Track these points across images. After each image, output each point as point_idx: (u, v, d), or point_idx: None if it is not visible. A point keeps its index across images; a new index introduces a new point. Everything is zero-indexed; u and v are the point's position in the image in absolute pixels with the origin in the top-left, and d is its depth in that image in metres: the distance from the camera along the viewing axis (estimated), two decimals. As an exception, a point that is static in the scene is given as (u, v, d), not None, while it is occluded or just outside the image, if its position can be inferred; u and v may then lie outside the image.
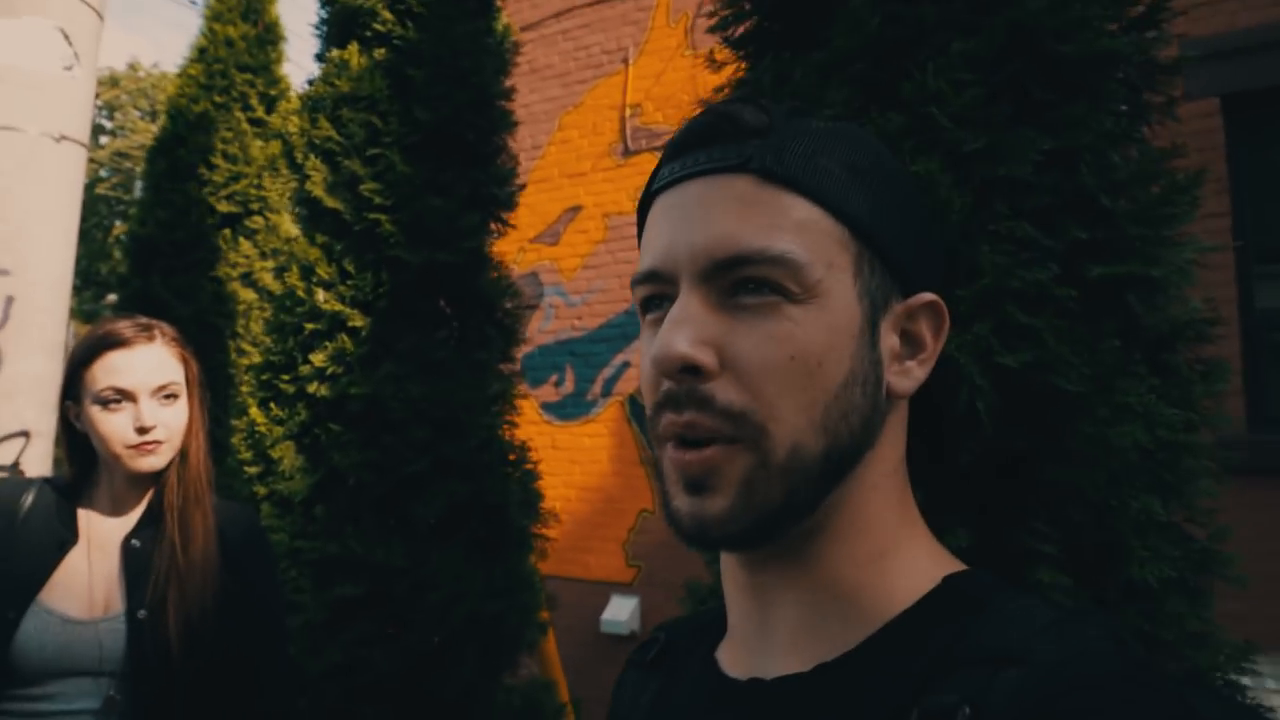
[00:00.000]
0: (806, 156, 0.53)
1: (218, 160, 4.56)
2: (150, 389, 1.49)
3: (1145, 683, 0.42)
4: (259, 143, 4.73)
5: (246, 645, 1.58)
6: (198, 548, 1.56)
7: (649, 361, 0.53)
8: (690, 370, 0.50)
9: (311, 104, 2.72)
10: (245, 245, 4.58)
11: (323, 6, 2.87)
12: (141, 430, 1.47)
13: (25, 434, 3.19)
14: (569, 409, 5.58)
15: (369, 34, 2.75)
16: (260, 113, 4.82)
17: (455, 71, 2.72)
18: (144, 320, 1.57)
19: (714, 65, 1.68)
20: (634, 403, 5.52)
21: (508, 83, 2.97)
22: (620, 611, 5.29)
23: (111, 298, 18.57)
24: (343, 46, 2.76)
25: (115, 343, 1.49)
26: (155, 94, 20.74)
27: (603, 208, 5.81)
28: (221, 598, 1.55)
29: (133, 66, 22.23)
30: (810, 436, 0.50)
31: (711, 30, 1.64)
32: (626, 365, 5.55)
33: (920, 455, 0.62)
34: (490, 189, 2.85)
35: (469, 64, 2.75)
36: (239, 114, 4.75)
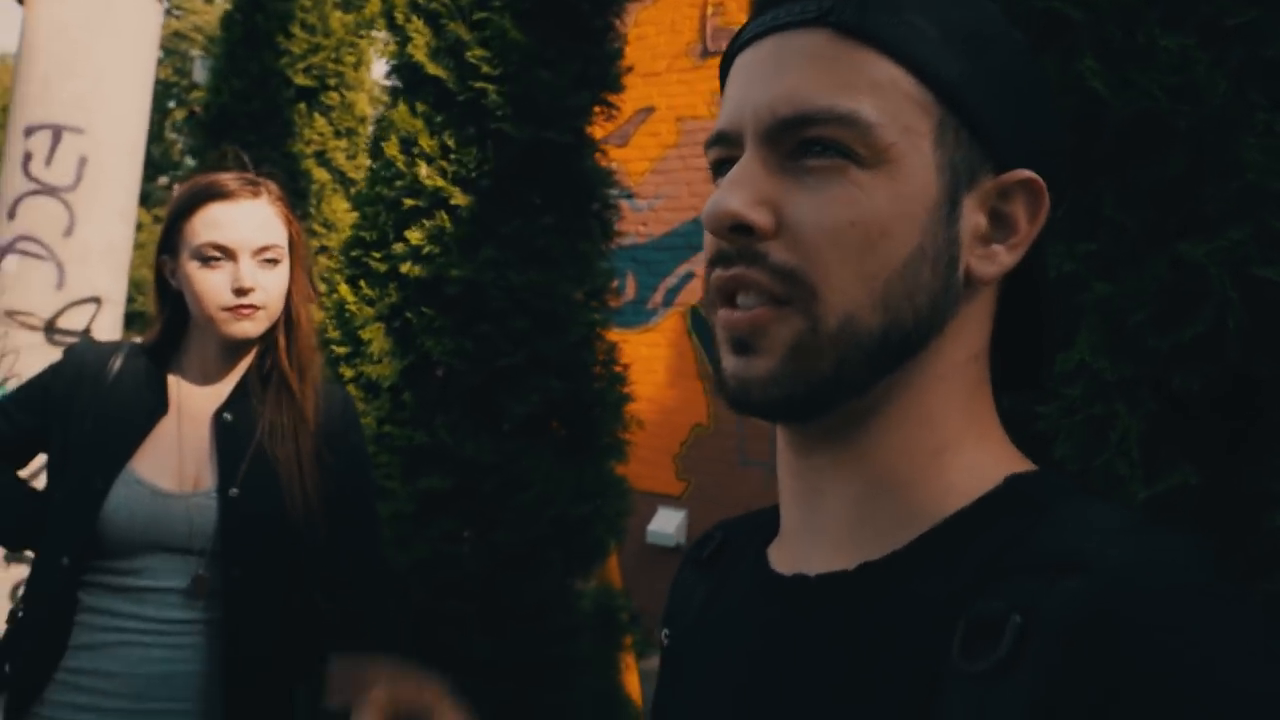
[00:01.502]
0: (893, 10, 0.48)
1: (296, 29, 4.32)
2: (252, 248, 1.38)
3: (1230, 598, 0.38)
4: (339, 14, 4.48)
5: (341, 532, 1.49)
6: (302, 427, 1.46)
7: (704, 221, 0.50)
8: (742, 230, 0.48)
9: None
10: (320, 122, 4.38)
11: None
12: (240, 291, 1.35)
13: (97, 300, 3.10)
14: (628, 317, 5.43)
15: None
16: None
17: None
18: (250, 175, 1.44)
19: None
20: (696, 315, 5.37)
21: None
22: (667, 524, 5.26)
23: (163, 180, 18.45)
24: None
25: (218, 194, 1.38)
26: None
27: (676, 110, 5.55)
28: (318, 480, 1.45)
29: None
30: (868, 310, 0.47)
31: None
32: (691, 276, 5.37)
33: (1015, 362, 0.56)
34: (599, 67, 2.63)
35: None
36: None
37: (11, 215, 2.98)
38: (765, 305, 0.48)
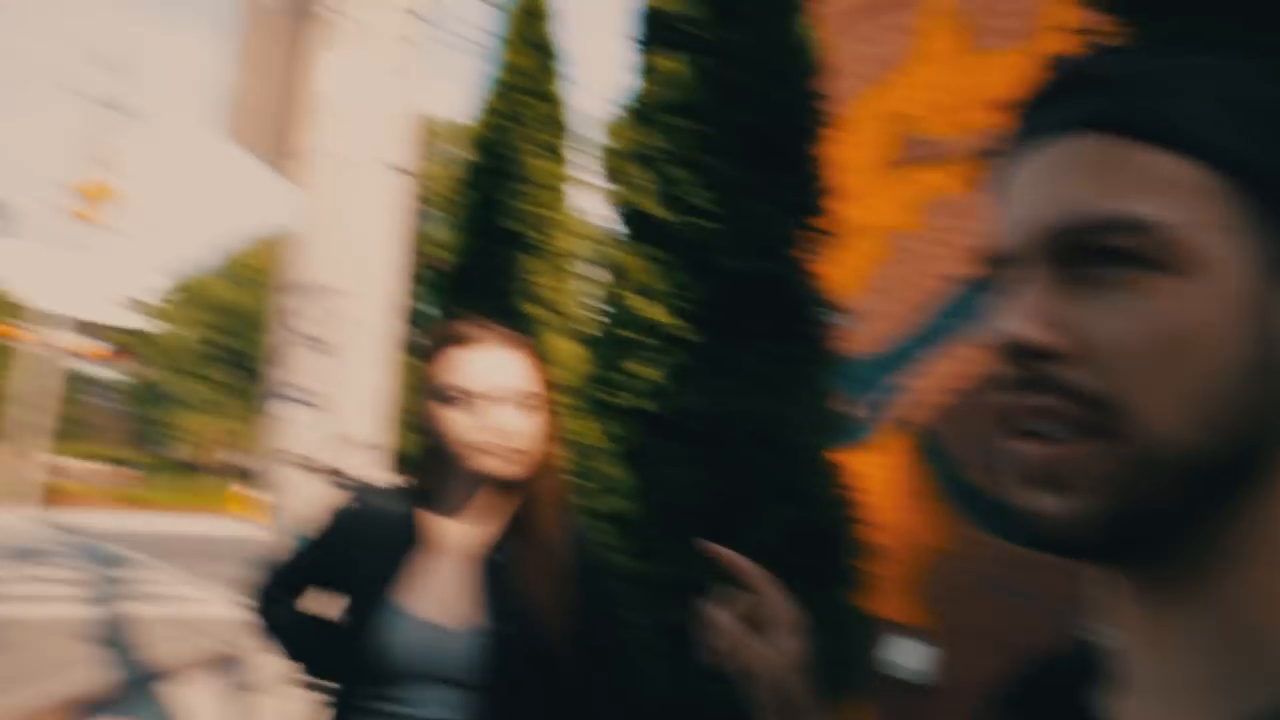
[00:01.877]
0: (1164, 98, 0.44)
1: (508, 182, 4.76)
2: (507, 393, 1.45)
3: None
4: (543, 164, 4.90)
5: (593, 670, 1.49)
6: (558, 566, 1.49)
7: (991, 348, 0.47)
8: (1031, 354, 0.44)
9: (637, 113, 2.69)
10: (532, 263, 4.73)
11: (642, 21, 2.85)
12: (497, 435, 1.42)
13: (360, 441, 3.43)
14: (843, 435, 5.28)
15: (692, 41, 2.69)
16: (544, 135, 5.00)
17: (775, 72, 2.59)
18: (499, 323, 1.54)
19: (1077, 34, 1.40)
20: (920, 432, 5.13)
21: (821, 85, 2.80)
22: (915, 658, 4.89)
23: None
24: (666, 55, 2.72)
25: (470, 340, 1.47)
26: (438, 143, 22.76)
27: (877, 225, 5.51)
28: (571, 619, 1.47)
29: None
30: (1189, 432, 0.42)
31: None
32: (910, 392, 5.17)
33: None
34: (802, 194, 2.68)
35: (787, 64, 2.61)
36: (524, 138, 4.95)
37: (292, 368, 3.38)
38: (1072, 437, 0.43)
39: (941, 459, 5.02)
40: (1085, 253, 0.45)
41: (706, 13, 2.65)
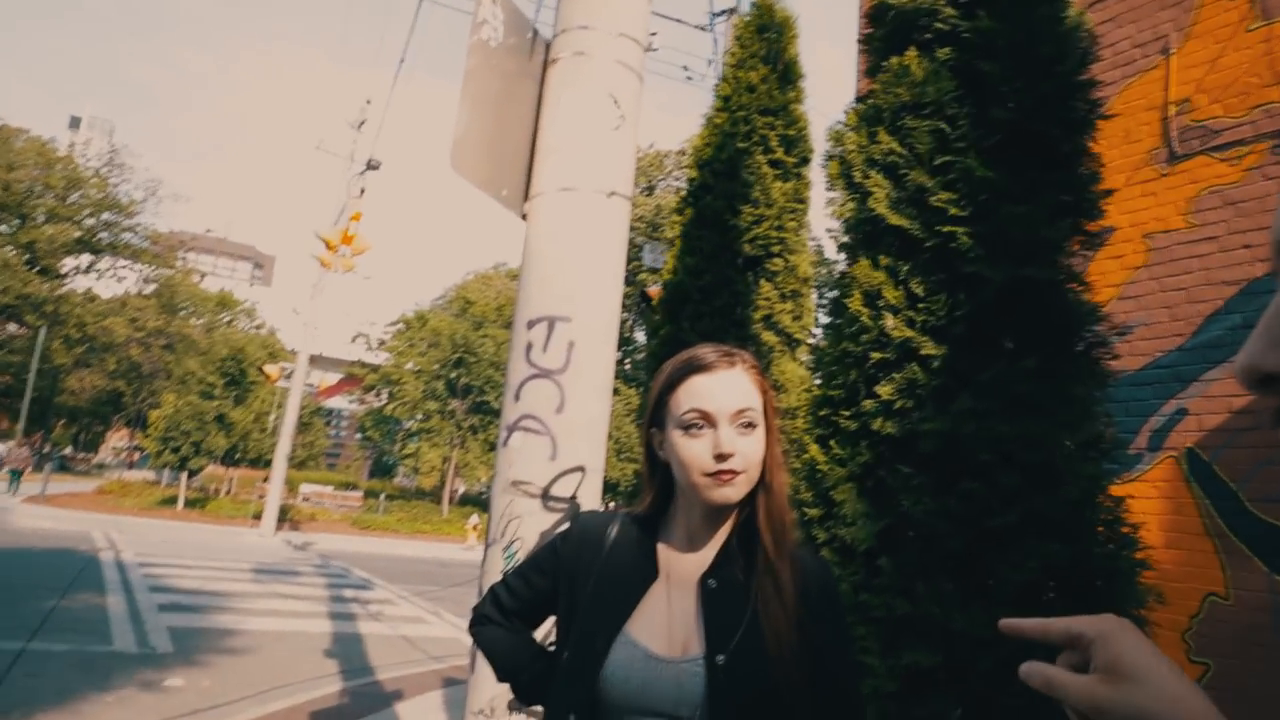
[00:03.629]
0: None
1: (741, 205, 4.67)
2: (729, 414, 1.38)
3: None
4: (779, 184, 4.77)
5: (821, 706, 1.36)
6: (784, 595, 1.39)
7: None
8: (1267, 382, 0.42)
9: (868, 117, 2.52)
10: (765, 287, 4.62)
11: (871, 20, 2.69)
12: (720, 457, 1.35)
13: (581, 469, 3.46)
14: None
15: (929, 35, 2.49)
16: (780, 154, 4.87)
17: (1035, 60, 2.33)
18: (726, 347, 1.48)
19: None
20: (1194, 458, 4.50)
21: (1091, 74, 2.50)
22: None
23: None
24: (899, 54, 2.54)
25: (699, 367, 1.43)
26: (652, 172, 23.37)
27: (1142, 227, 4.92)
28: (799, 651, 1.36)
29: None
30: None
31: None
32: (1182, 413, 4.56)
33: None
34: (1073, 194, 2.38)
35: (1050, 50, 2.34)
36: (760, 157, 4.85)
37: (517, 398, 3.48)
38: None
39: (1209, 483, 4.37)
40: None
41: (947, 3, 2.45)
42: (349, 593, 12.31)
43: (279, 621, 9.25)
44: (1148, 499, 4.57)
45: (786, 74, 4.96)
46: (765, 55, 4.88)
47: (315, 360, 26.24)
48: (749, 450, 1.42)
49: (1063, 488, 2.16)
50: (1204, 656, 4.34)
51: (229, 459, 26.28)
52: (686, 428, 1.42)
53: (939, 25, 2.46)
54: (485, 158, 3.64)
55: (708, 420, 1.41)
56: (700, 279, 4.61)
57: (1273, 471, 4.21)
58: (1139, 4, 5.25)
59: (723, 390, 1.44)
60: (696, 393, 1.43)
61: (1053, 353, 2.31)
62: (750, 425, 1.43)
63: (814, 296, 4.99)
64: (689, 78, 13.57)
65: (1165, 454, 4.59)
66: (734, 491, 1.42)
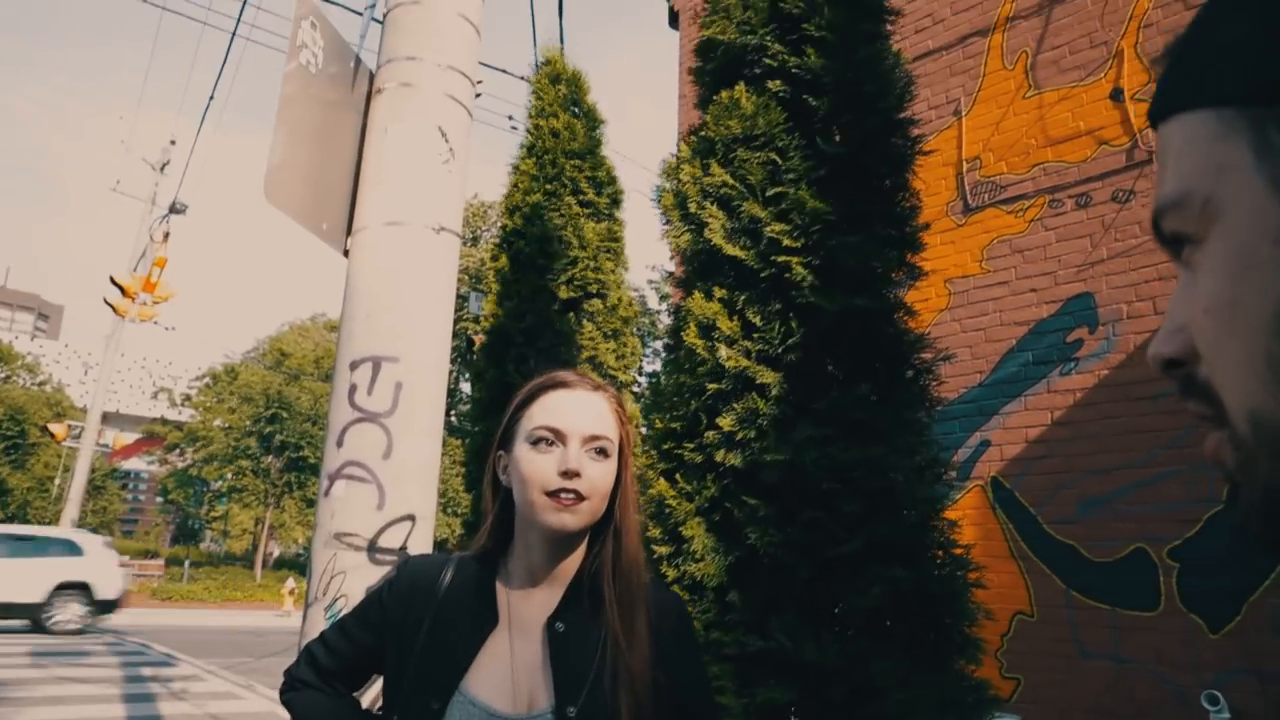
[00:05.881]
0: (1185, 64, 0.41)
1: (555, 246, 4.63)
2: (582, 435, 1.29)
3: None
4: (592, 224, 4.77)
5: None
6: (636, 636, 1.28)
7: None
8: (1171, 365, 0.42)
9: (701, 150, 2.52)
10: (588, 327, 4.57)
11: (700, 54, 2.72)
12: (566, 474, 1.24)
13: (411, 517, 3.20)
14: (921, 495, 4.98)
15: (758, 70, 2.54)
16: (591, 195, 4.87)
17: (860, 97, 2.42)
18: (592, 376, 1.39)
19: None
20: (998, 486, 4.81)
21: (910, 112, 2.62)
22: (1002, 734, 4.48)
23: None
24: (729, 88, 2.56)
25: (559, 383, 1.33)
26: (476, 223, 23.13)
27: (944, 273, 5.29)
28: (656, 697, 1.25)
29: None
30: (1263, 397, 0.36)
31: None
32: (986, 445, 4.87)
33: None
34: (898, 228, 2.47)
35: (873, 88, 2.44)
36: (569, 199, 4.83)
37: (340, 444, 3.21)
38: (1214, 434, 0.41)
39: (1011, 509, 4.69)
40: (1170, 245, 0.42)
41: (774, 40, 2.50)
42: (147, 670, 10.99)
43: (63, 711, 8.11)
44: (966, 524, 4.84)
45: (590, 119, 5.04)
46: (564, 102, 4.95)
47: (110, 418, 23.84)
48: (597, 477, 1.30)
49: (903, 512, 2.18)
50: (1014, 673, 4.59)
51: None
52: (535, 442, 1.29)
53: (768, 61, 2.51)
54: (304, 189, 3.37)
55: (559, 438, 1.29)
56: (521, 322, 4.52)
57: (1066, 495, 4.56)
58: (932, 70, 5.73)
59: (580, 410, 1.32)
60: (551, 408, 1.31)
61: (886, 380, 2.36)
62: (604, 453, 1.32)
63: (636, 333, 5.01)
64: (514, 127, 13.60)
65: (973, 483, 4.88)
66: (573, 519, 1.29)
